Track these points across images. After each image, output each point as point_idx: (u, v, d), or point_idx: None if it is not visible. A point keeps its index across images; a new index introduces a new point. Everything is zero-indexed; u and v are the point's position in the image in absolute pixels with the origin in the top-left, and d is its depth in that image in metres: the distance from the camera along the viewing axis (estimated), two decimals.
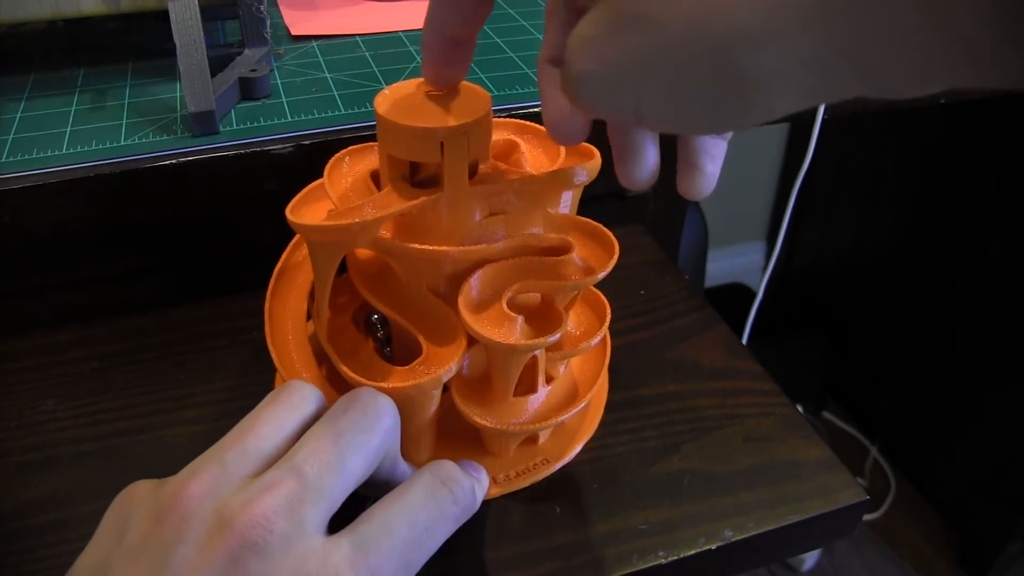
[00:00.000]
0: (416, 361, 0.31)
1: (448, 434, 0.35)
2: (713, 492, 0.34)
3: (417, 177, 0.30)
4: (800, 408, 1.04)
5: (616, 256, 0.31)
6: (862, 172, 1.39)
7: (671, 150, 0.27)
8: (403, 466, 0.29)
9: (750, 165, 1.56)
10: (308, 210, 0.32)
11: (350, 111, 0.44)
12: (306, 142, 0.41)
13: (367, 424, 0.26)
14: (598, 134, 0.27)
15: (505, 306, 0.31)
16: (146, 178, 0.40)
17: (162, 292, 0.45)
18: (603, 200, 0.53)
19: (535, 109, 0.45)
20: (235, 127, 0.43)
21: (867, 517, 1.33)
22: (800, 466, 0.35)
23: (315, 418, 0.27)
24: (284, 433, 0.26)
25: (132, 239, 0.45)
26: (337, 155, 0.33)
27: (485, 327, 0.30)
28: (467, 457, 0.32)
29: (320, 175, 0.32)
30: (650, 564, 0.31)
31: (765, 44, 0.16)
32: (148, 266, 0.46)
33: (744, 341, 0.62)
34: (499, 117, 0.37)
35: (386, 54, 0.52)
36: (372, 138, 0.30)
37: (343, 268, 0.32)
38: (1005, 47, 0.14)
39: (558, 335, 0.31)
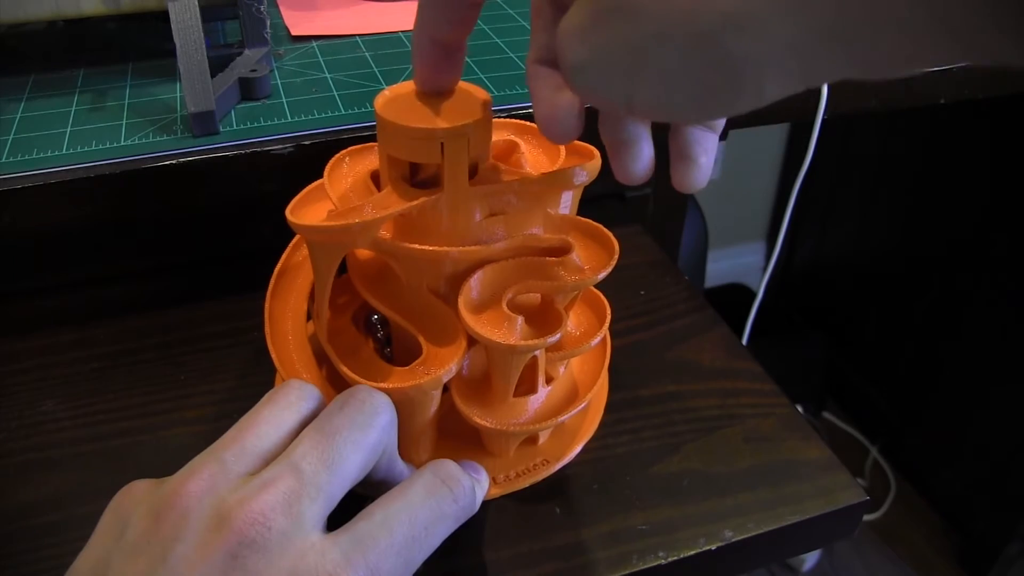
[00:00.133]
0: (416, 362, 0.31)
1: (448, 434, 0.35)
2: (713, 492, 0.34)
3: (417, 178, 0.30)
4: (800, 408, 1.04)
5: (616, 257, 0.31)
6: (862, 172, 1.39)
7: (668, 149, 0.27)
8: (400, 464, 0.29)
9: (750, 165, 1.56)
10: (308, 210, 0.32)
11: (350, 111, 0.44)
12: (306, 142, 0.41)
13: (363, 421, 0.26)
14: (598, 135, 0.27)
15: (505, 306, 0.31)
16: (146, 178, 0.40)
17: (162, 292, 0.45)
18: (603, 201, 0.53)
19: None
20: (235, 127, 0.43)
21: (867, 517, 1.33)
22: (800, 466, 0.35)
23: (314, 417, 0.27)
24: (283, 432, 0.26)
25: (132, 239, 0.45)
26: (337, 155, 0.33)
27: (485, 327, 0.30)
28: (467, 457, 0.32)
29: (320, 175, 0.32)
30: (650, 565, 0.31)
31: (749, 29, 0.17)
32: (148, 266, 0.46)
33: (744, 342, 0.62)
34: (499, 117, 0.37)
35: (386, 54, 0.52)
36: (372, 138, 0.30)
37: (343, 268, 0.32)
38: (988, 25, 0.14)
39: (558, 335, 0.31)
